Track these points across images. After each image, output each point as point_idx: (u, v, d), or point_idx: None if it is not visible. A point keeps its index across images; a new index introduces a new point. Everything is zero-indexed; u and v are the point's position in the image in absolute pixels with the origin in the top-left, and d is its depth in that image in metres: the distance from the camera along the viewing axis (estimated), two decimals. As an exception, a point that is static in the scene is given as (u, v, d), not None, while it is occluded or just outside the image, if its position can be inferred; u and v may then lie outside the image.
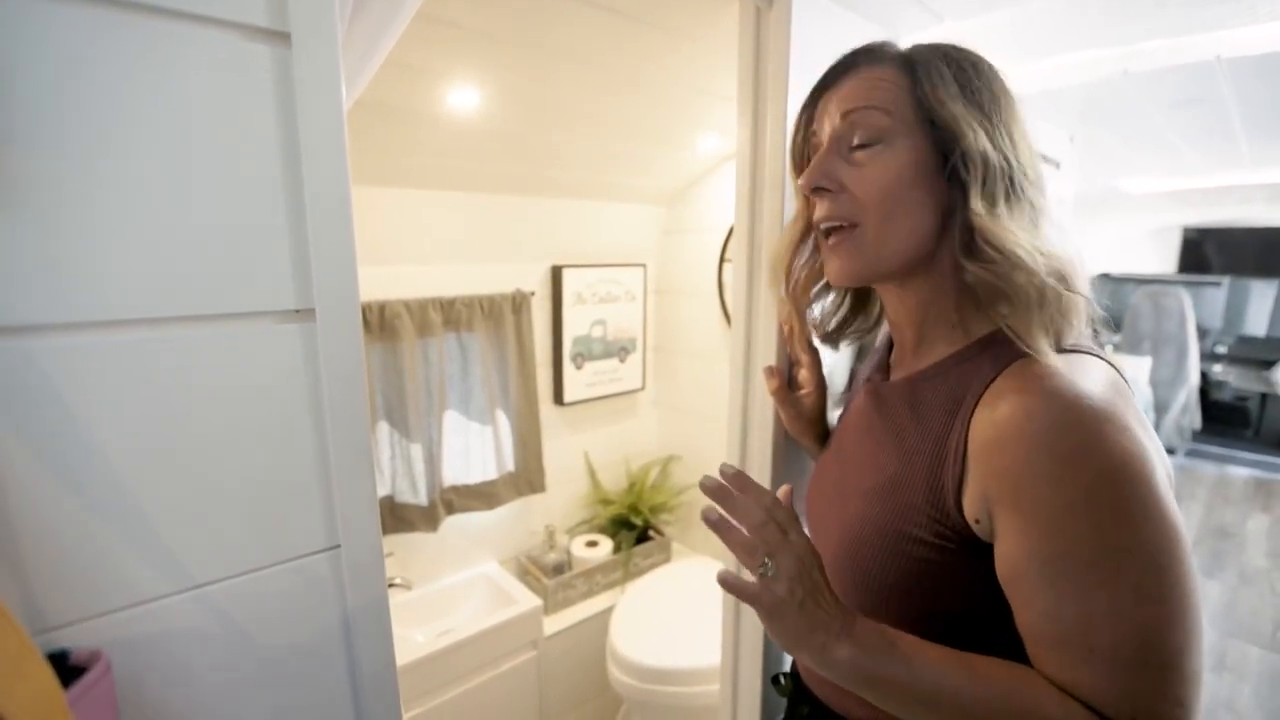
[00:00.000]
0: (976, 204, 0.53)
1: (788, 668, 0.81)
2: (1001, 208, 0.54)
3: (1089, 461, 0.45)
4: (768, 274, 0.78)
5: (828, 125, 0.61)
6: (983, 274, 0.53)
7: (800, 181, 0.62)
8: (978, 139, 0.54)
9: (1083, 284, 0.53)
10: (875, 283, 0.63)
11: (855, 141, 0.58)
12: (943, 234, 0.57)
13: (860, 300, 0.76)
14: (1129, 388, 0.51)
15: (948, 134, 0.55)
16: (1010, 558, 0.49)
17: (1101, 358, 0.53)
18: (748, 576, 0.53)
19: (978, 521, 0.51)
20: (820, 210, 0.61)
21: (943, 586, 0.54)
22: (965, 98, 0.55)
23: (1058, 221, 0.57)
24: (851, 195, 0.58)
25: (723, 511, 0.54)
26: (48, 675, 0.30)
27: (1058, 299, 0.51)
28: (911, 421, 0.59)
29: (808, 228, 0.68)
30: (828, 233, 0.61)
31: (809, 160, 0.65)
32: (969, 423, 0.52)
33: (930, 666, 0.48)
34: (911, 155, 0.56)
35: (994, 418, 0.50)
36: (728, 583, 0.52)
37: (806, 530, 0.56)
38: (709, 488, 0.55)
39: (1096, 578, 0.45)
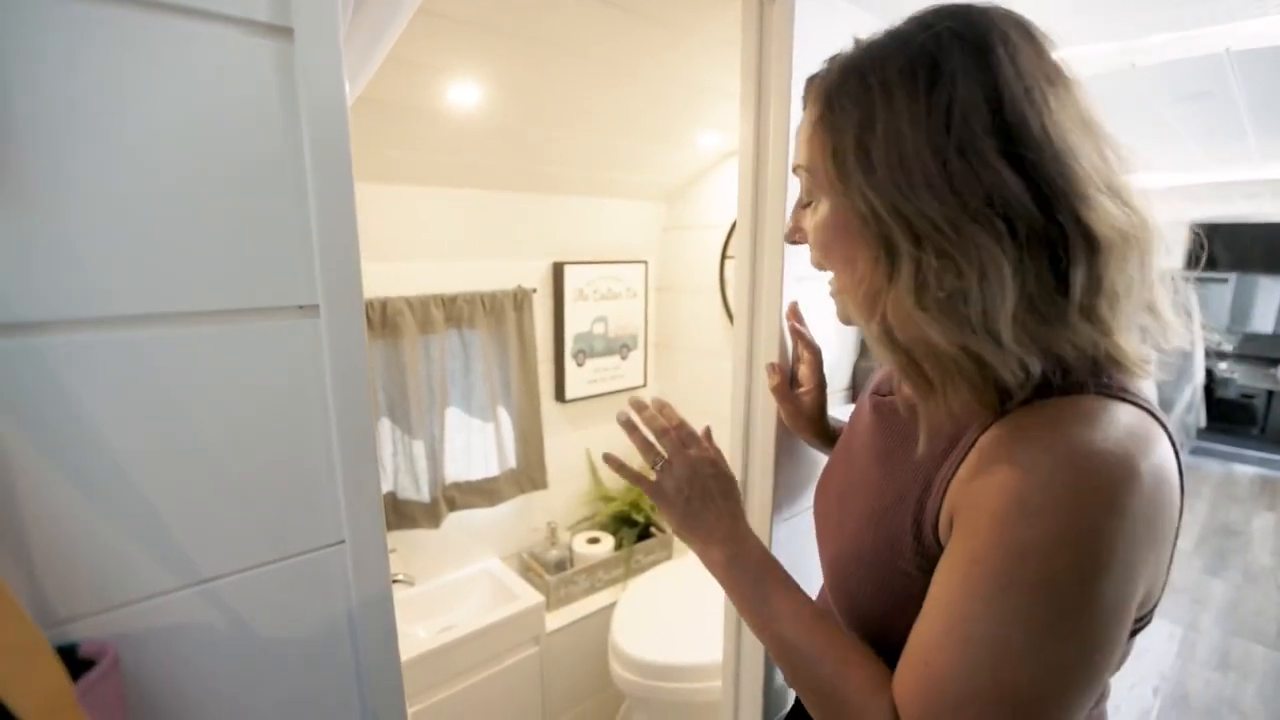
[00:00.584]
0: (895, 289, 0.47)
1: (788, 709, 0.80)
2: (921, 277, 0.46)
3: (1050, 522, 0.41)
4: None
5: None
6: (887, 355, 0.50)
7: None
8: (858, 204, 0.47)
9: (1007, 333, 0.44)
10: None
11: (801, 199, 0.58)
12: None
13: None
14: (1164, 437, 0.45)
15: (851, 200, 0.49)
16: (938, 567, 0.48)
17: (1134, 402, 0.45)
18: None
19: (944, 546, 0.49)
20: (810, 255, 0.59)
21: None
22: (857, 149, 0.47)
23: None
24: (810, 248, 0.57)
25: (635, 416, 0.65)
26: (58, 668, 0.31)
27: (975, 366, 0.45)
28: (910, 447, 0.56)
29: None
30: None
31: None
32: (963, 458, 0.49)
33: (781, 610, 0.56)
34: (831, 215, 0.52)
35: (982, 451, 0.47)
36: (613, 461, 0.66)
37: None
38: (629, 408, 0.69)
39: (979, 616, 0.43)
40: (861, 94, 0.47)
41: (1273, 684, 2.32)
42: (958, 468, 0.48)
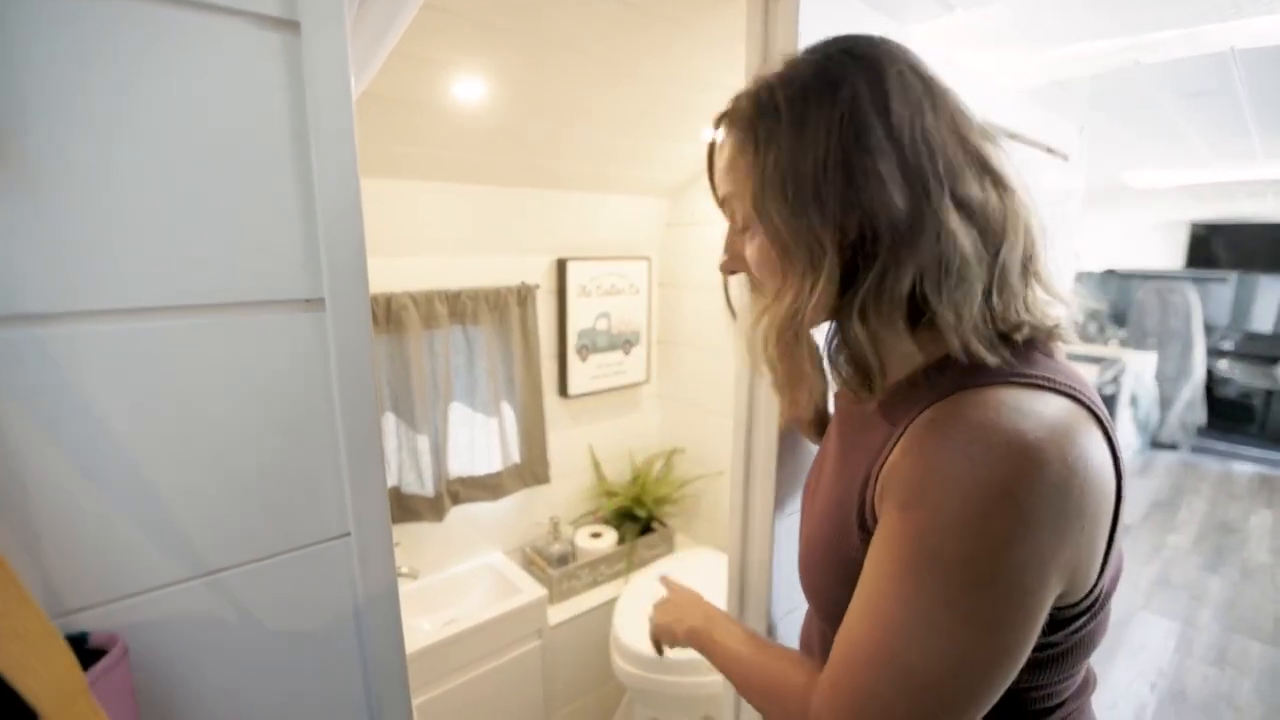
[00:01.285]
0: (822, 298, 0.51)
1: None
2: (856, 288, 0.50)
3: (952, 509, 0.43)
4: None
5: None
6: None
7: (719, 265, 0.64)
8: (771, 233, 0.52)
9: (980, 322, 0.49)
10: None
11: (736, 226, 0.59)
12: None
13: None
14: (1091, 420, 0.46)
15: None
16: (869, 548, 0.50)
17: (1061, 390, 0.47)
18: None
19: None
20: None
21: None
22: (760, 174, 0.51)
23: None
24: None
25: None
26: (68, 658, 0.31)
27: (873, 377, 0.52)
28: (859, 439, 0.58)
29: None
30: None
31: None
32: (891, 450, 0.50)
33: (728, 657, 0.68)
34: (759, 238, 0.54)
35: (906, 439, 0.49)
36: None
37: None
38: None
39: (898, 588, 0.45)
40: (751, 125, 0.52)
41: (1269, 680, 2.33)
42: (888, 456, 0.50)
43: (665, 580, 0.92)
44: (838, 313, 0.53)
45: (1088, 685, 0.58)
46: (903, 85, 0.49)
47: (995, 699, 0.45)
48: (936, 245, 0.47)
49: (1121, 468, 0.47)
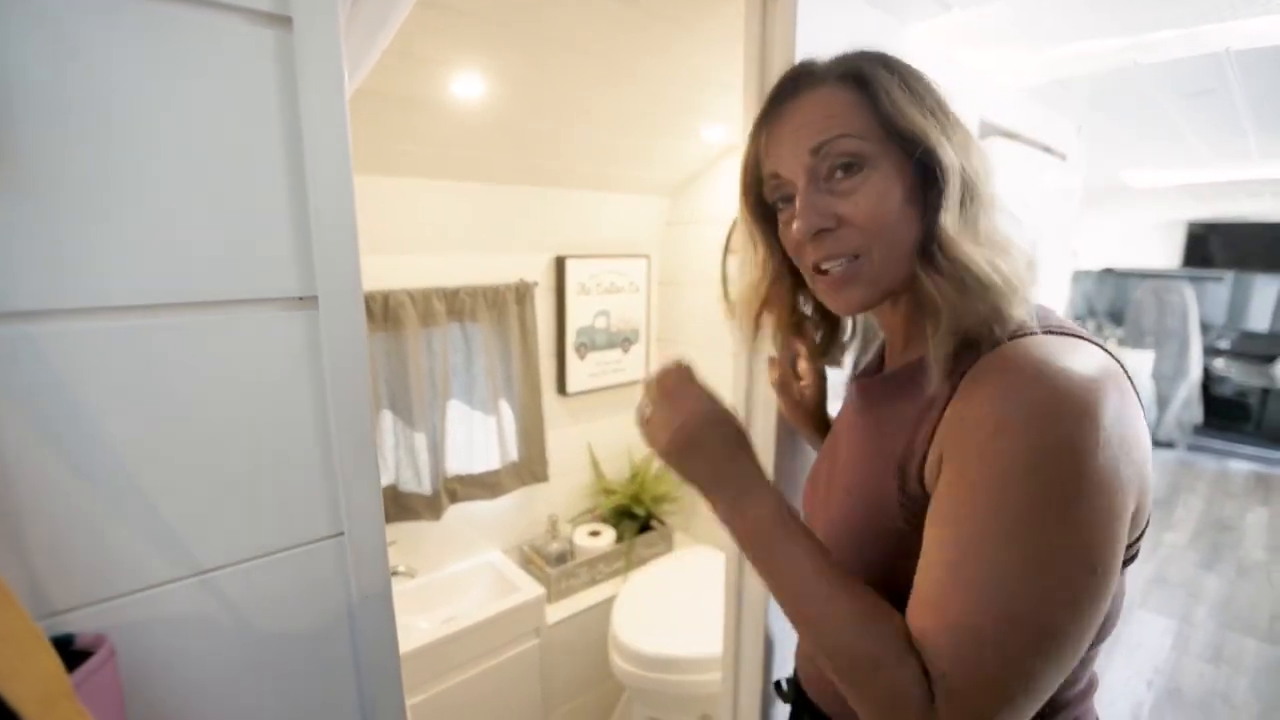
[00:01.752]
0: (946, 218, 0.52)
1: (789, 673, 0.81)
2: (962, 216, 0.53)
3: (1029, 434, 0.43)
4: (739, 327, 0.75)
5: (795, 163, 0.57)
6: (939, 282, 0.52)
7: (796, 230, 0.56)
8: (945, 150, 0.53)
9: (1029, 276, 0.53)
10: (885, 299, 0.60)
11: (838, 174, 0.55)
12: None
13: (832, 324, 0.75)
14: (1126, 375, 0.49)
15: (917, 147, 0.53)
16: (930, 508, 0.49)
17: (1096, 343, 0.50)
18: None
19: (931, 491, 0.51)
20: (819, 250, 0.57)
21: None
22: (920, 108, 0.54)
23: (1008, 210, 0.56)
24: (851, 227, 0.55)
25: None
26: (53, 660, 0.30)
27: (1008, 303, 0.50)
28: (891, 413, 0.59)
29: (780, 272, 0.67)
30: (822, 267, 0.58)
31: (757, 200, 0.64)
32: (945, 406, 0.51)
33: (791, 568, 0.51)
34: (896, 176, 0.54)
35: (969, 390, 0.49)
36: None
37: None
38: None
39: (980, 545, 0.44)
40: (887, 67, 0.56)
41: (1265, 677, 2.33)
42: (943, 413, 0.51)
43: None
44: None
45: (1092, 687, 0.59)
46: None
47: (1096, 629, 0.45)
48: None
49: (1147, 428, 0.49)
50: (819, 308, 0.72)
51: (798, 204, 0.56)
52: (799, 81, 0.58)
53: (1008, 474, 0.44)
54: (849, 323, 0.76)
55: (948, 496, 0.48)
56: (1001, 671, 0.43)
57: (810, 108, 0.56)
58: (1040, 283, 0.54)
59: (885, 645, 0.46)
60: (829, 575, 0.50)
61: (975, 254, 0.51)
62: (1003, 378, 0.47)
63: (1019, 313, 0.50)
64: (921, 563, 0.49)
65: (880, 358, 0.71)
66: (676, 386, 0.58)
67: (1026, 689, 0.43)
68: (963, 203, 0.53)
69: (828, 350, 0.76)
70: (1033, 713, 0.44)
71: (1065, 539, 0.43)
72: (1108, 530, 0.43)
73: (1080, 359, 0.47)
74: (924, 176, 0.54)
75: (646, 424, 0.58)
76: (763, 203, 0.64)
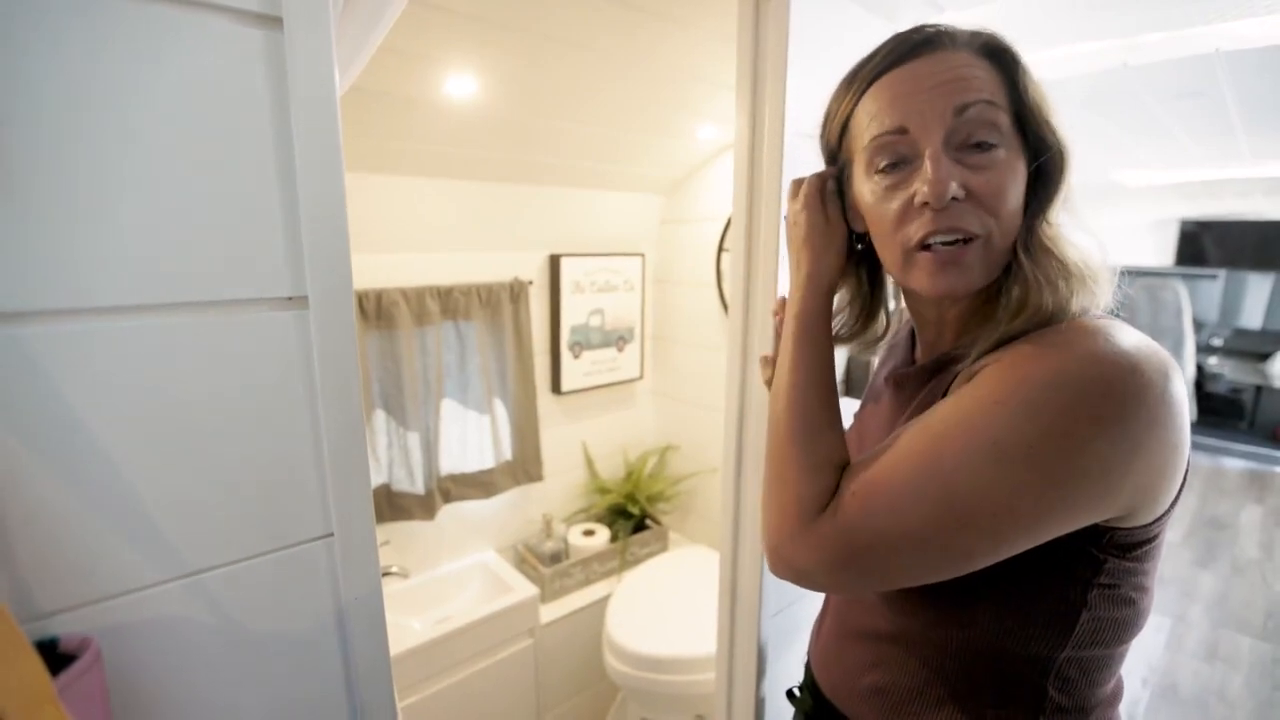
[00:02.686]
0: (1058, 215, 0.53)
1: (774, 667, 0.80)
2: (1064, 215, 0.54)
3: (1089, 368, 0.44)
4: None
5: (933, 120, 0.51)
6: (1036, 276, 0.51)
7: (929, 197, 0.50)
8: (1066, 154, 0.53)
9: (1106, 277, 0.54)
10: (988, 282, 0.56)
11: (976, 140, 0.51)
12: None
13: (871, 313, 0.72)
14: (1175, 365, 0.47)
15: (1049, 144, 0.53)
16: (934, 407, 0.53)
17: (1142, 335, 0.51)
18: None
19: None
20: (939, 221, 0.51)
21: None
22: (1043, 97, 0.54)
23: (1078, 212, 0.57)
24: (978, 204, 0.51)
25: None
26: (35, 663, 0.30)
27: (1092, 297, 0.52)
28: (927, 394, 0.59)
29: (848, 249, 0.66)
30: (930, 243, 0.53)
31: (838, 156, 0.61)
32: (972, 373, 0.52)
33: (809, 354, 0.61)
34: (1022, 160, 0.53)
35: (1006, 351, 0.50)
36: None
37: None
38: None
39: (937, 435, 0.48)
40: (1016, 57, 0.55)
41: (1259, 675, 2.35)
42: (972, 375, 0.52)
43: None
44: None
45: (1118, 694, 0.59)
46: None
47: (1002, 556, 0.47)
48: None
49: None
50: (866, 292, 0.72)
51: (929, 166, 0.50)
52: (936, 40, 0.53)
53: (1036, 380, 0.45)
54: (875, 323, 0.72)
55: (946, 402, 0.51)
56: (889, 502, 0.48)
57: (955, 65, 0.51)
58: (1111, 284, 0.55)
59: (816, 455, 0.55)
60: (822, 379, 0.60)
61: (1073, 252, 0.52)
62: (1068, 331, 0.48)
63: (1087, 305, 0.51)
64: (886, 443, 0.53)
65: (909, 356, 0.69)
66: (808, 179, 0.66)
67: (903, 531, 0.48)
68: (1064, 201, 0.54)
69: (859, 336, 0.73)
70: (896, 567, 0.49)
71: (1042, 456, 0.44)
72: (1088, 475, 0.44)
73: (1129, 338, 0.47)
74: (1038, 171, 0.54)
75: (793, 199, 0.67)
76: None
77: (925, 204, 0.51)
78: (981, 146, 0.51)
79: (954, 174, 0.50)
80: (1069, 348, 0.46)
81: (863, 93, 0.56)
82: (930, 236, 0.52)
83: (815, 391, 0.60)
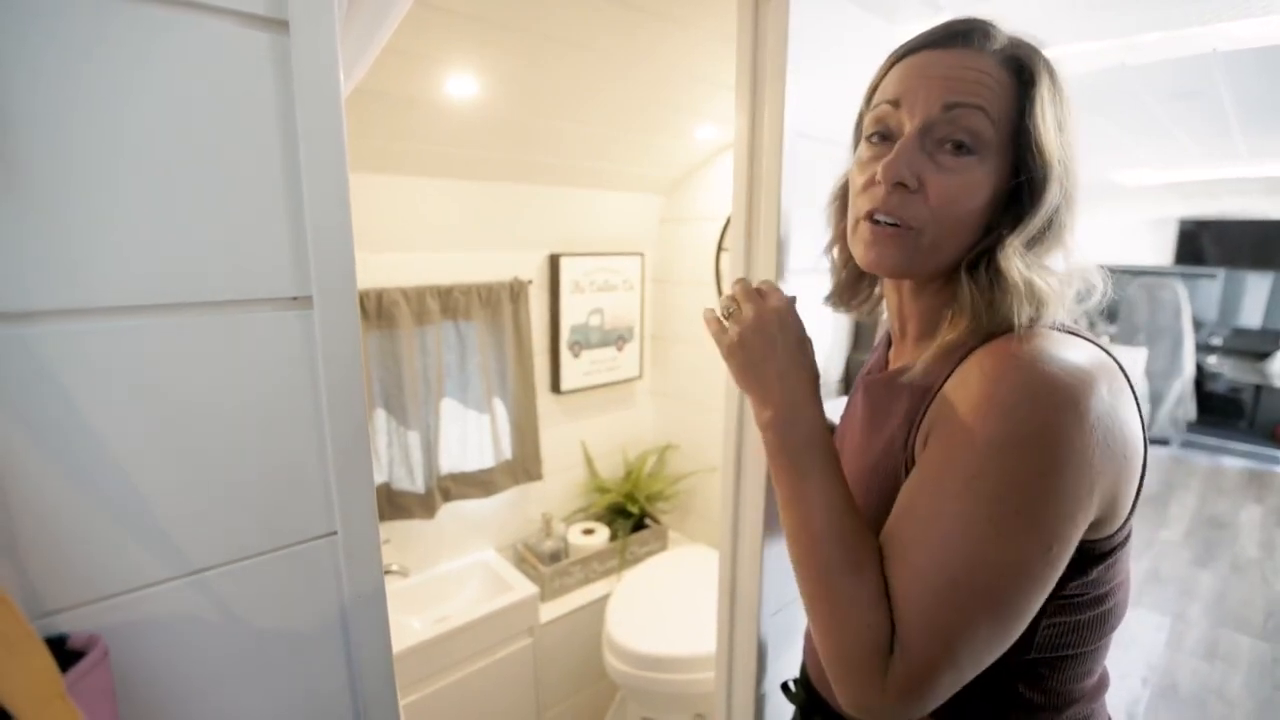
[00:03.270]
0: (1014, 242, 0.52)
1: (774, 665, 0.81)
2: (1030, 242, 0.53)
3: (1014, 416, 0.46)
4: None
5: (920, 106, 0.53)
6: (975, 294, 0.53)
7: (880, 172, 0.54)
8: (1057, 185, 0.52)
9: (1065, 302, 0.53)
10: (917, 279, 0.60)
11: (951, 141, 0.52)
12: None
13: (860, 277, 0.72)
14: (1120, 372, 0.50)
15: (1037, 168, 0.52)
16: (916, 466, 0.52)
17: (1094, 341, 0.52)
18: None
19: None
20: (883, 201, 0.54)
21: None
22: (1059, 131, 0.52)
23: (1074, 238, 0.56)
24: (926, 200, 0.53)
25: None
26: (46, 659, 0.31)
27: (1037, 309, 0.52)
28: (896, 406, 0.60)
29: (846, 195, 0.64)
30: (875, 217, 0.56)
31: (862, 133, 0.60)
32: (939, 389, 0.53)
33: (816, 494, 0.55)
34: (995, 178, 0.53)
35: (956, 376, 0.52)
36: (706, 318, 0.64)
37: None
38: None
39: (950, 511, 0.47)
40: (1050, 77, 0.53)
41: (1259, 674, 2.35)
42: (933, 398, 0.53)
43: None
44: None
45: (1103, 684, 0.60)
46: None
47: (1042, 600, 0.48)
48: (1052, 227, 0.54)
49: (1144, 424, 0.51)
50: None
51: (897, 148, 0.53)
52: (970, 36, 0.54)
53: (987, 447, 0.46)
54: (863, 287, 0.73)
55: (929, 460, 0.51)
56: (950, 629, 0.46)
57: (968, 65, 0.53)
58: (1079, 308, 0.55)
59: (867, 588, 0.50)
60: (845, 515, 0.54)
61: (1022, 275, 0.51)
62: (998, 361, 0.49)
63: (1033, 320, 0.51)
64: (894, 514, 0.52)
65: (884, 356, 0.71)
66: (769, 289, 0.63)
67: (971, 649, 0.46)
68: (1043, 232, 0.53)
69: (840, 295, 0.73)
70: (972, 675, 0.47)
71: (1029, 518, 0.45)
72: (1068, 516, 0.46)
73: (1075, 352, 0.48)
74: (1017, 191, 0.53)
75: (726, 317, 0.63)
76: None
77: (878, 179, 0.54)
78: (958, 149, 0.53)
79: (914, 163, 0.53)
80: (1007, 407, 0.46)
81: (892, 65, 0.58)
82: (875, 212, 0.55)
83: (846, 519, 0.54)
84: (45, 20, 0.37)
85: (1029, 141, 0.52)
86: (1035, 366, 0.47)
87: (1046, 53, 0.55)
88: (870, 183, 0.56)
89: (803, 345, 0.61)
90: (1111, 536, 0.52)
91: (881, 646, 0.48)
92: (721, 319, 0.64)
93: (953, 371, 0.53)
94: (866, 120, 0.59)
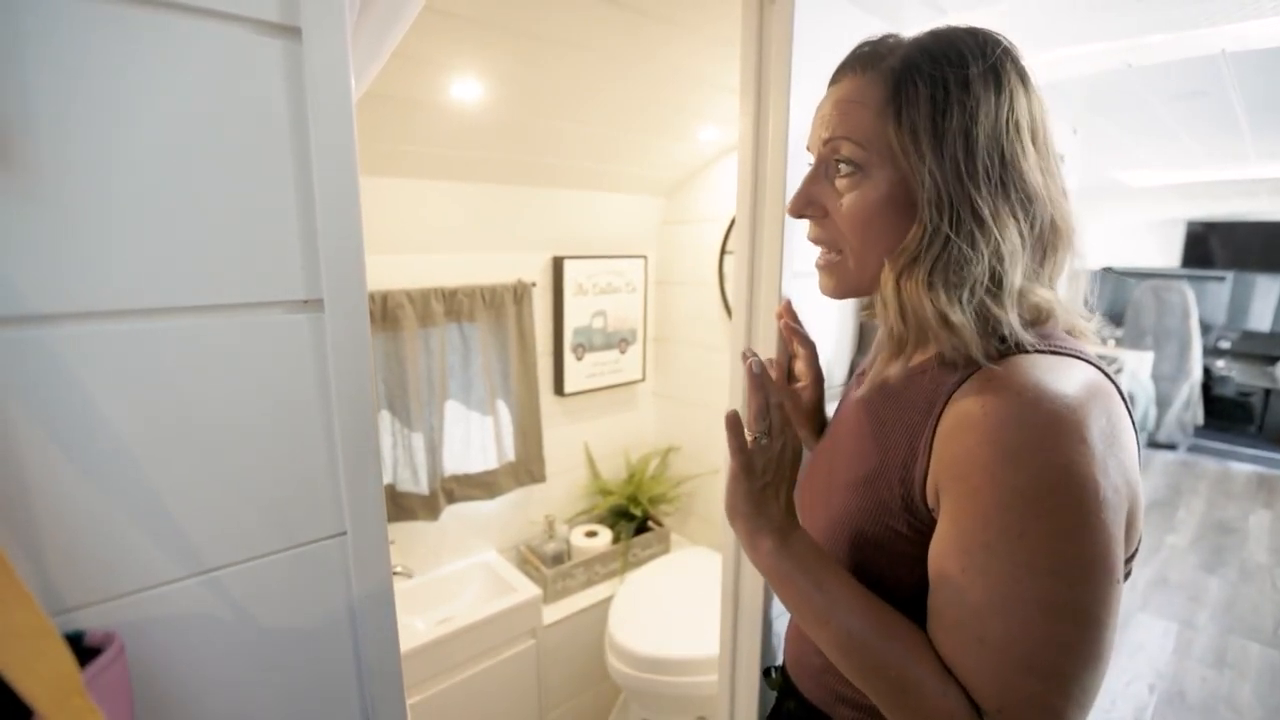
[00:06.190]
0: (900, 257, 0.54)
1: (779, 661, 0.82)
2: (931, 252, 0.52)
3: (1033, 461, 0.45)
4: None
5: (815, 144, 0.60)
6: (884, 311, 0.57)
7: (788, 205, 0.62)
8: (932, 186, 0.52)
9: (1005, 318, 0.51)
10: (861, 296, 0.64)
11: (838, 170, 0.58)
12: None
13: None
14: (1115, 392, 0.50)
15: (908, 170, 0.54)
16: (939, 539, 0.50)
17: (1089, 361, 0.52)
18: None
19: (934, 510, 0.52)
20: (809, 231, 0.63)
21: (923, 577, 0.54)
22: (933, 132, 0.52)
23: (1015, 249, 0.53)
24: (834, 223, 0.59)
25: (765, 364, 0.62)
26: (66, 655, 0.31)
27: (963, 337, 0.51)
28: (893, 416, 0.60)
29: None
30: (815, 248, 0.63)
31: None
32: (939, 418, 0.52)
33: (840, 598, 0.54)
34: (886, 188, 0.55)
35: (956, 410, 0.51)
36: (731, 422, 0.61)
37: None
38: (753, 361, 0.63)
39: (1009, 573, 0.45)
40: (935, 81, 0.52)
41: (1268, 681, 2.33)
42: (937, 424, 0.52)
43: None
44: (917, 273, 0.54)
45: None
46: (1032, 98, 0.55)
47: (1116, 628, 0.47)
48: (1014, 239, 0.52)
49: (1138, 436, 0.51)
50: None
51: (800, 183, 0.61)
52: (855, 65, 0.58)
53: (1022, 504, 0.45)
54: None
55: (958, 527, 0.48)
56: (1054, 695, 0.44)
57: (845, 95, 0.57)
58: (1054, 315, 0.55)
59: (924, 669, 0.48)
60: (872, 607, 0.53)
61: (918, 293, 0.53)
62: (995, 402, 0.47)
63: (983, 348, 0.51)
64: (941, 595, 0.50)
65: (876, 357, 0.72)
66: (790, 419, 0.64)
67: (1079, 705, 0.45)
68: (946, 236, 0.52)
69: (868, 306, 0.75)
70: None
71: (1088, 555, 0.44)
72: (1117, 542, 0.45)
73: (1068, 378, 0.48)
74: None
75: (756, 436, 0.62)
76: None
77: None
78: (848, 170, 0.57)
79: (812, 194, 0.60)
80: (1022, 455, 0.45)
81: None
82: (809, 240, 0.63)
83: (875, 609, 0.53)
84: (58, 26, 0.38)
85: (903, 146, 0.53)
86: (1039, 406, 0.46)
87: (971, 46, 0.53)
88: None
89: (793, 486, 0.63)
90: (1129, 558, 0.52)
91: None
92: (751, 436, 0.62)
93: (950, 397, 0.52)
94: None
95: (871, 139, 0.55)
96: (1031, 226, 0.53)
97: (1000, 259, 0.52)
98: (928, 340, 0.55)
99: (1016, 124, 0.52)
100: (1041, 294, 0.55)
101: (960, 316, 0.51)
